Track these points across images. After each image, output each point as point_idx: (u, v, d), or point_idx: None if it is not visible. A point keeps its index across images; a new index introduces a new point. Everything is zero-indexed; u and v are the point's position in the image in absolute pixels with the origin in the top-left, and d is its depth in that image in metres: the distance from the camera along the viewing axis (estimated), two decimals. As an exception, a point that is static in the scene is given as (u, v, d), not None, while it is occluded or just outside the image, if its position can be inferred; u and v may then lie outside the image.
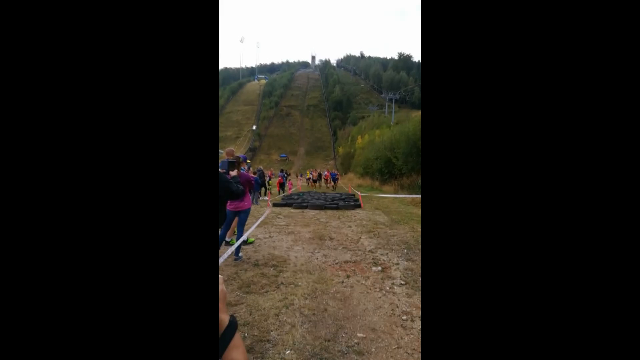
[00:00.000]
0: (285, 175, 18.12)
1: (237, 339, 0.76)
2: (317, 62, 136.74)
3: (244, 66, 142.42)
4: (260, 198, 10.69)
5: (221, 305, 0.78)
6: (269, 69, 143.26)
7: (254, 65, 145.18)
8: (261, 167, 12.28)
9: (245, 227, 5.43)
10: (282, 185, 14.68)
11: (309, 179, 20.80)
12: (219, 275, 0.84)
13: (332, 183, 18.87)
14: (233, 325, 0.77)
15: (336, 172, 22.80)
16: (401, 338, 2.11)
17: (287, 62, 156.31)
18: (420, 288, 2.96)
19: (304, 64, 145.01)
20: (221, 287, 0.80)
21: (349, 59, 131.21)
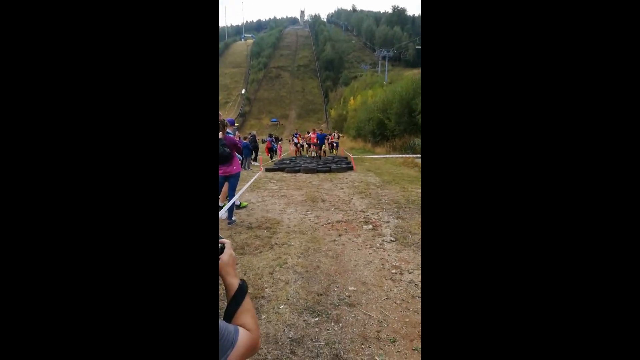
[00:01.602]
0: (275, 139, 17.79)
1: (247, 302, 0.74)
2: (306, 17, 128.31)
3: (229, 24, 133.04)
4: (254, 163, 10.60)
5: (231, 270, 0.76)
6: (256, 27, 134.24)
7: (239, 24, 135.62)
8: (254, 132, 12.01)
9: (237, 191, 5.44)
10: (270, 150, 14.53)
11: (297, 144, 16.43)
12: (227, 241, 0.81)
13: (321, 148, 13.58)
14: (243, 290, 0.75)
15: (332, 134, 17.24)
16: (390, 290, 2.21)
17: (275, 18, 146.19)
18: (409, 244, 3.07)
19: (293, 20, 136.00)
20: (230, 251, 0.78)
21: (340, 13, 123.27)
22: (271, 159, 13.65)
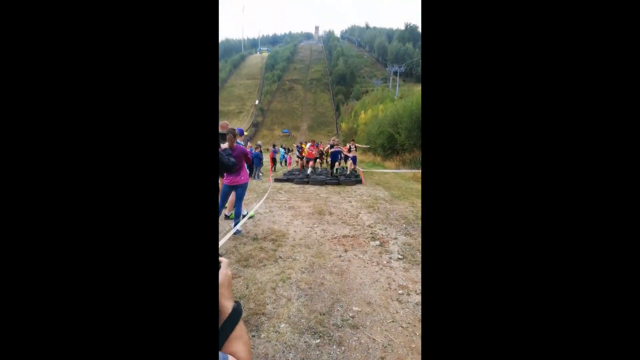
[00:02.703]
0: (286, 150, 17.70)
1: (240, 328, 0.66)
2: (320, 33, 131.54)
3: (245, 37, 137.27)
4: (263, 174, 10.66)
5: (224, 291, 0.68)
6: (271, 41, 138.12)
7: (255, 37, 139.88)
8: (259, 142, 12.07)
9: (248, 203, 5.43)
10: (274, 161, 14.51)
11: (300, 156, 12.55)
12: (224, 259, 0.74)
13: (334, 166, 10.20)
14: (237, 314, 0.67)
15: (347, 145, 10.96)
16: (396, 312, 2.11)
17: (290, 33, 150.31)
18: (417, 262, 2.96)
19: (307, 35, 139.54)
20: (226, 271, 0.68)
21: (353, 30, 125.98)
22: (274, 170, 13.65)
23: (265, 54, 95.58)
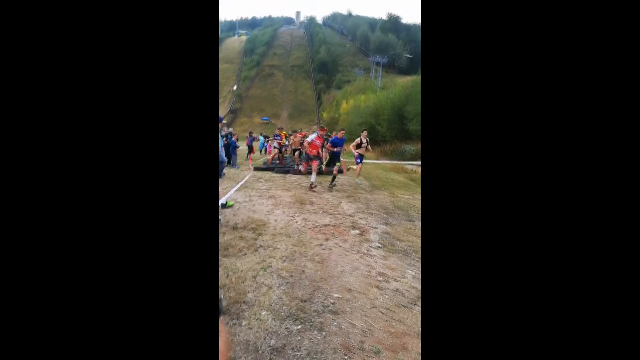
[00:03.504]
0: (265, 138, 17.31)
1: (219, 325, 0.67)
2: (302, 18, 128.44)
3: (223, 19, 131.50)
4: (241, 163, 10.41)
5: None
6: (250, 24, 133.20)
7: (234, 19, 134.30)
8: (230, 129, 11.63)
9: (225, 190, 5.32)
10: (251, 149, 14.16)
11: (280, 147, 9.93)
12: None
13: (334, 164, 6.57)
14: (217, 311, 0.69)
15: (357, 140, 6.97)
16: (376, 298, 2.18)
17: (270, 17, 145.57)
18: (396, 251, 3.05)
19: (288, 20, 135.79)
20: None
21: (335, 17, 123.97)
22: (247, 158, 13.36)
23: (244, 38, 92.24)
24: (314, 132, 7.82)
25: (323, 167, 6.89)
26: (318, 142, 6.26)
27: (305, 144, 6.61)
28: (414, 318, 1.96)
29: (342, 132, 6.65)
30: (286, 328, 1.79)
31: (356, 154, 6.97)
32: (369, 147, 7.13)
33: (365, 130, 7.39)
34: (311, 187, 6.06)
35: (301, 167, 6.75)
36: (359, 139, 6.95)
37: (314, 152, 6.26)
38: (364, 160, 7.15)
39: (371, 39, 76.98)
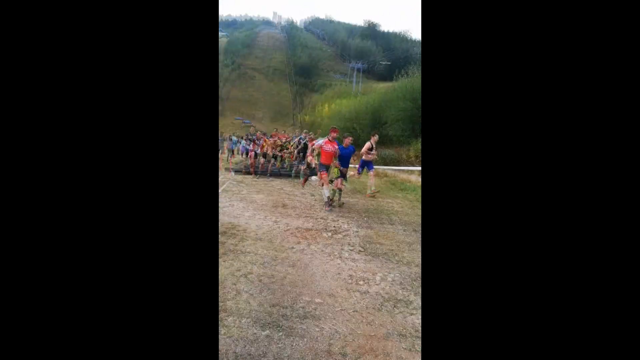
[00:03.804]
0: (247, 141, 16.90)
1: None
2: (279, 20, 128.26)
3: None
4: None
5: None
6: (230, 24, 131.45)
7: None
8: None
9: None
10: (230, 152, 13.84)
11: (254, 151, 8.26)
12: None
13: (345, 178, 5.22)
14: None
15: (369, 144, 5.68)
16: (357, 302, 2.19)
17: (249, 18, 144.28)
18: (377, 255, 3.09)
19: (267, 21, 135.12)
20: None
21: (315, 21, 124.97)
22: (227, 161, 13.04)
23: (225, 40, 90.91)
24: (298, 134, 6.50)
25: (344, 184, 5.20)
26: (330, 148, 4.81)
27: (314, 150, 5.14)
28: (384, 321, 1.99)
29: (350, 139, 5.09)
30: (267, 336, 1.77)
31: (370, 157, 5.68)
32: (375, 149, 5.88)
33: (376, 132, 6.01)
34: (329, 203, 4.81)
35: (327, 191, 4.86)
36: (369, 142, 5.64)
37: (328, 160, 4.86)
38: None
39: (350, 45, 78.28)
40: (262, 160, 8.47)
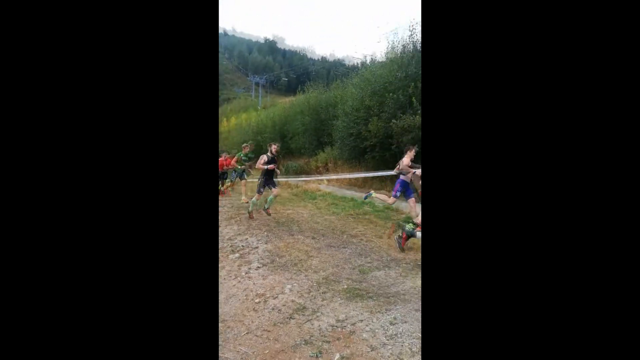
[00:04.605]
0: None
1: None
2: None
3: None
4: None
5: None
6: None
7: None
8: None
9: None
10: None
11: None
12: None
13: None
14: None
15: (407, 159, 3.96)
16: (252, 322, 2.11)
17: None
18: (276, 267, 3.07)
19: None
20: None
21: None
22: None
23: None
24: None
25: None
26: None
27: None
28: (291, 333, 1.99)
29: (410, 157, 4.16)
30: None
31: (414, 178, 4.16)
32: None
33: (415, 146, 4.29)
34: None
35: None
36: (408, 157, 4.19)
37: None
38: (247, 179, 6.10)
39: (249, 60, 78.19)
40: None
